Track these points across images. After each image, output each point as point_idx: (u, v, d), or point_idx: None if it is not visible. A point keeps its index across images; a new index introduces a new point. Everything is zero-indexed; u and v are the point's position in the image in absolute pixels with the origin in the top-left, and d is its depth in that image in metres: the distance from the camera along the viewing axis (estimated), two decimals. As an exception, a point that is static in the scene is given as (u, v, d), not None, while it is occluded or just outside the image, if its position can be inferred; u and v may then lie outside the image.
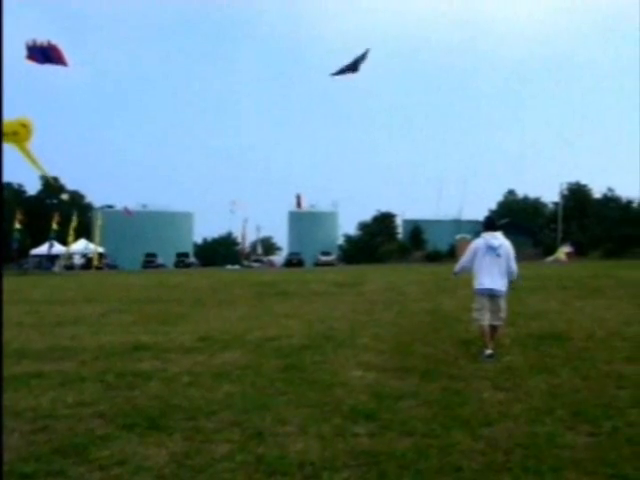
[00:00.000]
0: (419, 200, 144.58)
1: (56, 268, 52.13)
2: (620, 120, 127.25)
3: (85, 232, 63.49)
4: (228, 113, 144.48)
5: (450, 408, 5.33)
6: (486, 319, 7.83)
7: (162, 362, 7.65)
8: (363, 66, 12.09)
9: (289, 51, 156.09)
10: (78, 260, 58.15)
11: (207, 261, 73.90)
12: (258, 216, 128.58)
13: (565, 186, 66.50)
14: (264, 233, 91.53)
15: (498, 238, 7.98)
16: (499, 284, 7.83)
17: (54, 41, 14.19)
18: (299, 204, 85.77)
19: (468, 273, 8.27)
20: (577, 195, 66.16)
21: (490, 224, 8.35)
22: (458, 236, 59.76)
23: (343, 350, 8.28)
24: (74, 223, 53.01)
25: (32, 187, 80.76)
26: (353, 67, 12.07)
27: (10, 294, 18.23)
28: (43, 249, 55.02)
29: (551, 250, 56.89)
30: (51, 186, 67.97)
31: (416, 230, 69.97)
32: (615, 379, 6.36)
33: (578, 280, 21.04)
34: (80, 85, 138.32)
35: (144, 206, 77.48)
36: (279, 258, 79.82)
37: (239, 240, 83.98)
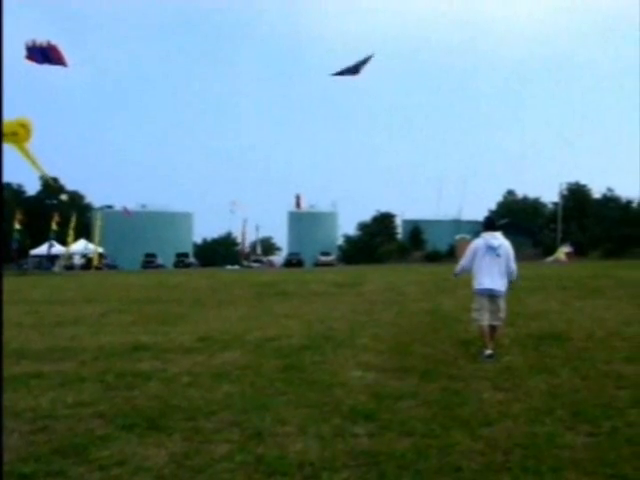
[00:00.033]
0: (419, 200, 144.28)
1: (56, 268, 52.11)
2: (620, 120, 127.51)
3: (85, 232, 63.51)
4: (228, 113, 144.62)
5: (449, 408, 5.33)
6: (485, 319, 7.83)
7: (162, 362, 7.65)
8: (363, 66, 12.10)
9: (289, 51, 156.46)
10: (78, 260, 58.15)
11: (207, 261, 73.81)
12: (258, 216, 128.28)
13: (565, 186, 66.61)
14: (264, 233, 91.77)
15: (498, 238, 7.98)
16: (499, 284, 7.84)
17: (54, 41, 14.25)
18: (299, 204, 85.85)
19: (468, 274, 8.28)
20: (577, 195, 66.17)
21: (490, 224, 8.35)
22: (458, 236, 59.82)
23: (342, 350, 8.28)
24: (73, 223, 53.02)
25: (32, 187, 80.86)
26: (354, 70, 12.06)
27: (10, 294, 18.22)
28: (43, 249, 54.95)
29: (551, 250, 56.94)
30: (50, 186, 67.83)
31: (416, 230, 69.96)
32: (614, 379, 6.36)
33: (578, 280, 21.04)
34: (80, 85, 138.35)
35: (143, 206, 77.43)
36: (279, 258, 79.81)
37: (239, 240, 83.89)
